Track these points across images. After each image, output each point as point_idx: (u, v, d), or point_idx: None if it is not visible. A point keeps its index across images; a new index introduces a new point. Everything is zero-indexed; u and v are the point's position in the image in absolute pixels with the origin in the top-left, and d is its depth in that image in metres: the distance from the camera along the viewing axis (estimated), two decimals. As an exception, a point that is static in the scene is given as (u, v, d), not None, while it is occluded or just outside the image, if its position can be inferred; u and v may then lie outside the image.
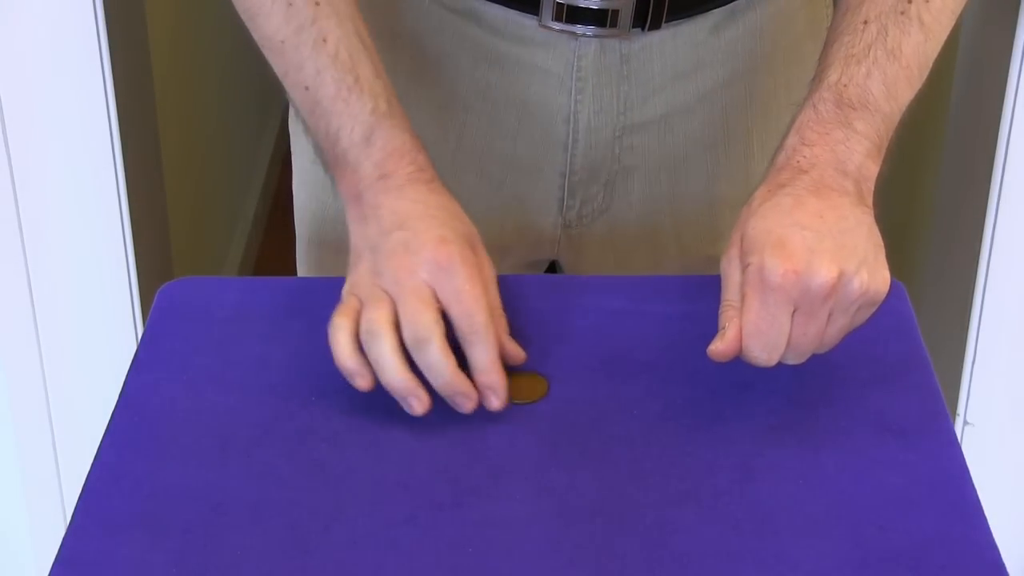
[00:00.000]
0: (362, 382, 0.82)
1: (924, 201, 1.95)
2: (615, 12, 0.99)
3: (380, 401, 0.84)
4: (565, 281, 1.00)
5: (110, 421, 0.84)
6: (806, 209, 0.82)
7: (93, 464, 0.81)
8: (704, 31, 1.03)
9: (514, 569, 0.74)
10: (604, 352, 0.88)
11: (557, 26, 1.00)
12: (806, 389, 0.84)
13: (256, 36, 0.91)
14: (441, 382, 0.82)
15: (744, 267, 0.81)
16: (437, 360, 0.81)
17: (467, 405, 0.82)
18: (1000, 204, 1.48)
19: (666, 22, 1.01)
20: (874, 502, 0.77)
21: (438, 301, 0.82)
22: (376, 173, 0.86)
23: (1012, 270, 1.50)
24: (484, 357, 0.83)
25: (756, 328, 0.79)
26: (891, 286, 0.90)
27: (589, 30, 1.00)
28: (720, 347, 0.81)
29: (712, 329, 0.81)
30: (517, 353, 0.86)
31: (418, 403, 0.82)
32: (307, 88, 0.88)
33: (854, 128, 0.85)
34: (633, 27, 1.00)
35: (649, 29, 1.01)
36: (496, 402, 0.83)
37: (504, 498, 0.78)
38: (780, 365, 0.81)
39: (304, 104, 0.89)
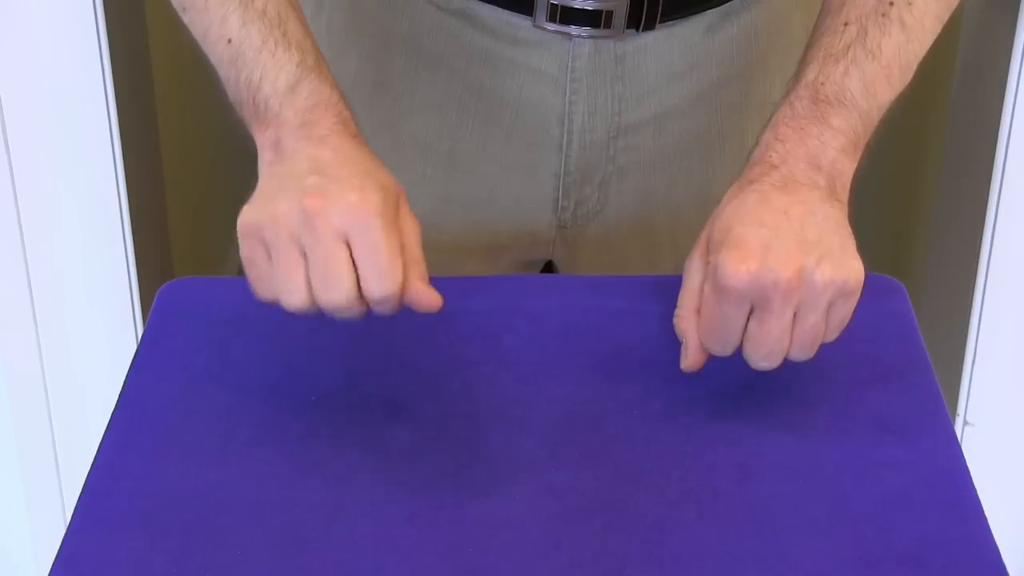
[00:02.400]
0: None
1: (924, 201, 1.95)
2: (609, 13, 0.99)
3: (380, 401, 0.84)
4: (564, 281, 1.00)
5: (110, 421, 0.84)
6: (770, 205, 0.81)
7: (93, 464, 0.81)
8: (698, 32, 1.03)
9: (514, 569, 0.74)
10: (604, 352, 0.88)
11: (551, 27, 1.00)
12: (806, 389, 0.84)
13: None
14: (346, 316, 0.78)
15: (705, 266, 0.81)
16: (343, 309, 0.77)
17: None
18: (1000, 204, 1.48)
19: (660, 23, 1.01)
20: (874, 502, 0.77)
21: (350, 250, 0.77)
22: (298, 120, 0.83)
23: (1012, 270, 1.50)
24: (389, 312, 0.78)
25: (710, 328, 0.80)
26: (891, 287, 0.90)
27: (583, 31, 1.00)
28: (687, 363, 0.83)
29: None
30: (432, 301, 0.78)
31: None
32: (230, 41, 0.86)
33: (829, 123, 0.84)
34: (627, 28, 1.00)
35: (643, 30, 1.01)
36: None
37: (504, 498, 0.78)
38: (779, 365, 0.81)
39: (225, 57, 0.86)
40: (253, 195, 0.81)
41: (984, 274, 1.51)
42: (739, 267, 0.78)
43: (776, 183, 0.82)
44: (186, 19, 0.89)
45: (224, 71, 0.87)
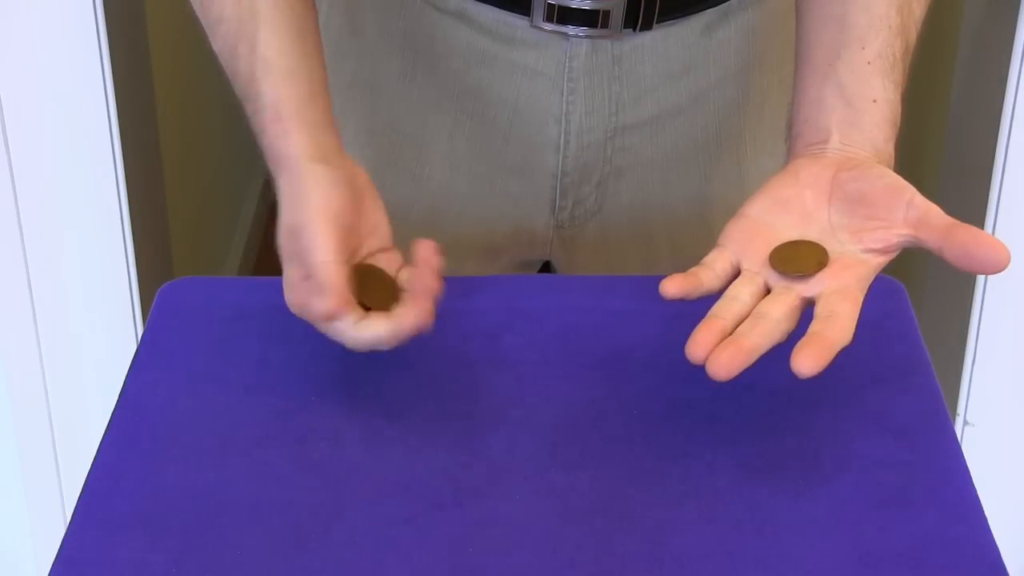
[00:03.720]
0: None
1: (924, 201, 1.94)
2: (606, 13, 0.99)
3: (380, 401, 0.84)
4: (564, 281, 1.00)
5: (110, 421, 0.84)
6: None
7: (93, 464, 0.81)
8: (696, 32, 1.03)
9: (514, 569, 0.74)
10: (604, 352, 0.88)
11: (548, 27, 1.00)
12: (806, 389, 0.84)
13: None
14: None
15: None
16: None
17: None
18: (1000, 204, 1.49)
19: (658, 23, 1.01)
20: (874, 502, 0.77)
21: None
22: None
23: (1012, 270, 1.50)
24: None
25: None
26: (891, 287, 0.90)
27: (580, 31, 1.00)
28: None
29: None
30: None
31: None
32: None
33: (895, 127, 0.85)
34: (624, 28, 1.00)
35: (640, 30, 1.01)
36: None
37: (504, 498, 0.78)
38: (780, 365, 0.80)
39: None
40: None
41: (984, 274, 1.51)
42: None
43: None
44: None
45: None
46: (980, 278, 1.53)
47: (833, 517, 0.77)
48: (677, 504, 0.77)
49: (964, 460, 0.81)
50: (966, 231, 0.77)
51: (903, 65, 0.86)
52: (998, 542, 0.76)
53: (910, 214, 0.79)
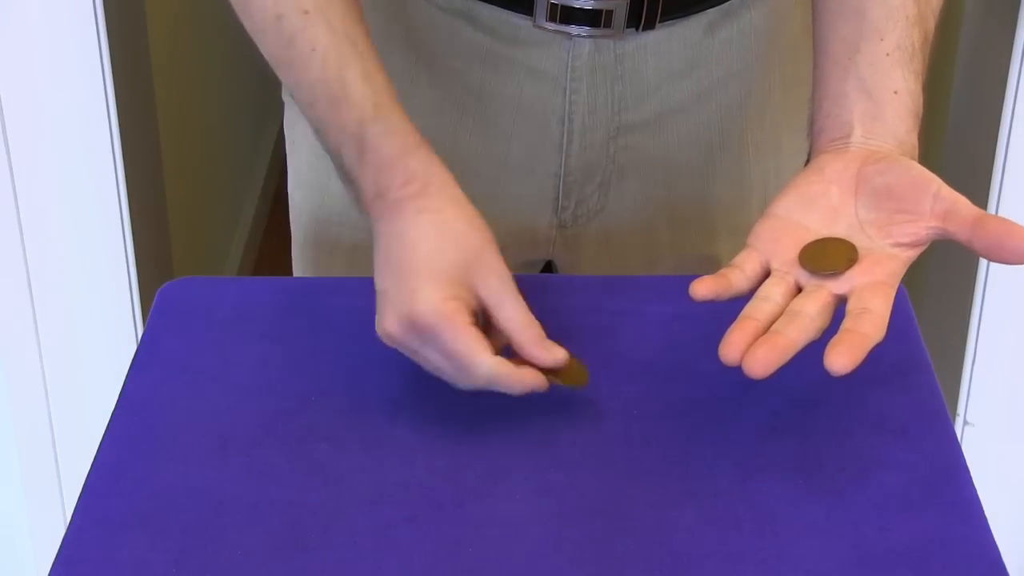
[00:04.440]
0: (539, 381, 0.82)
1: (924, 201, 1.94)
2: (609, 12, 0.99)
3: (380, 401, 0.84)
4: (564, 281, 1.00)
5: (110, 421, 0.84)
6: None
7: (93, 464, 0.81)
8: (698, 31, 1.03)
9: (514, 569, 0.74)
10: (604, 352, 0.88)
11: (551, 26, 1.00)
12: (806, 389, 0.84)
13: (265, 56, 0.89)
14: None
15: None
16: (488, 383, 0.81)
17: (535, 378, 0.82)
18: (1000, 204, 1.49)
19: (660, 22, 1.01)
20: (874, 502, 0.77)
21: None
22: (373, 191, 0.84)
23: (1012, 270, 1.50)
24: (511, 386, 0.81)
25: None
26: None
27: (583, 30, 1.00)
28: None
29: (711, 329, 0.81)
30: (544, 358, 0.82)
31: (537, 380, 0.81)
32: (309, 105, 0.86)
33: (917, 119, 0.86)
34: (627, 27, 1.00)
35: (643, 29, 1.01)
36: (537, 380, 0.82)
37: (504, 498, 0.78)
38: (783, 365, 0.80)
39: (312, 123, 0.87)
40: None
41: (984, 274, 1.51)
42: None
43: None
44: (284, 83, 0.89)
45: (318, 137, 0.88)
46: (980, 278, 1.53)
47: (833, 517, 0.77)
48: (677, 504, 0.77)
49: (964, 460, 0.81)
50: (996, 221, 0.77)
51: (922, 55, 0.86)
52: (998, 542, 0.76)
53: (937, 206, 0.79)
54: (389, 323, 0.81)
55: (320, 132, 0.87)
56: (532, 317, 0.82)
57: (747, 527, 0.76)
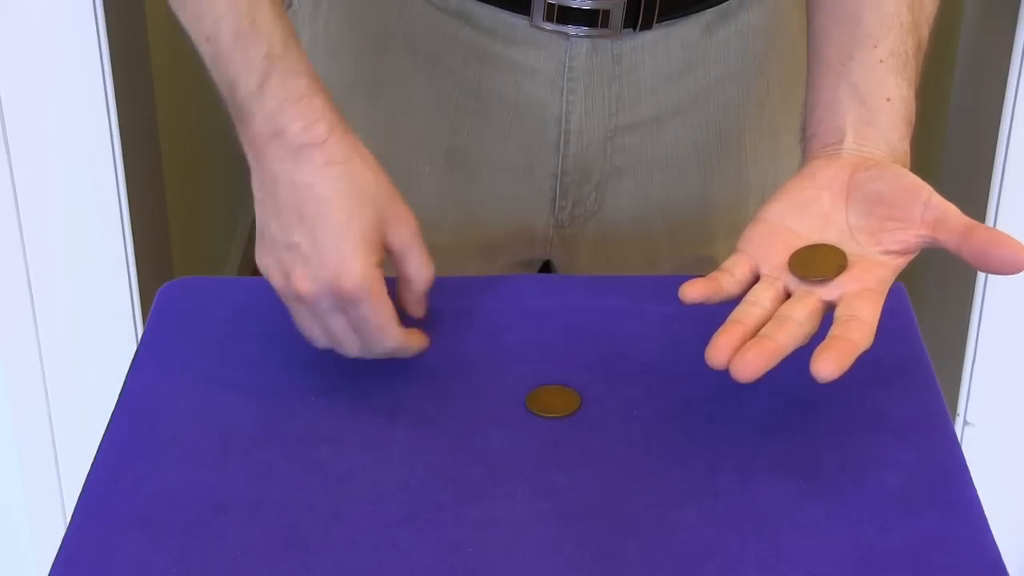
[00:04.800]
0: (419, 342, 0.86)
1: (924, 201, 1.94)
2: (606, 12, 0.99)
3: (380, 401, 0.84)
4: (564, 281, 1.00)
5: (110, 421, 0.84)
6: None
7: (93, 464, 0.81)
8: (696, 31, 1.03)
9: (514, 569, 0.74)
10: (604, 352, 0.88)
11: (548, 26, 1.00)
12: (806, 389, 0.84)
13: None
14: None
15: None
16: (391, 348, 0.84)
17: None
18: (1000, 204, 1.49)
19: (658, 22, 1.01)
20: (874, 502, 0.77)
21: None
22: (269, 129, 0.83)
23: (1012, 270, 1.50)
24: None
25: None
26: (891, 287, 0.89)
27: (581, 30, 1.00)
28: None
29: (711, 329, 0.81)
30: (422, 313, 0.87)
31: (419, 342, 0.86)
32: (208, 39, 0.84)
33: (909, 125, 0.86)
34: (625, 27, 1.00)
35: (641, 29, 1.01)
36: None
37: (504, 498, 0.78)
38: (780, 365, 0.80)
39: (208, 55, 0.85)
40: (256, 222, 0.85)
41: (984, 275, 1.51)
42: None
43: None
44: (174, 10, 0.88)
45: (209, 69, 0.86)
46: (980, 278, 1.53)
47: (833, 517, 0.77)
48: (677, 504, 0.77)
49: (964, 460, 0.81)
50: (985, 232, 0.77)
51: (916, 62, 0.86)
52: (998, 542, 0.76)
53: (927, 214, 0.79)
54: (302, 282, 0.82)
55: (215, 66, 0.85)
56: (432, 269, 0.86)
57: (747, 527, 0.76)
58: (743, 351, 0.75)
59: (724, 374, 0.76)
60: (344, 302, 0.82)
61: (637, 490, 0.78)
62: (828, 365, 0.73)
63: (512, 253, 1.13)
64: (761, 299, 0.79)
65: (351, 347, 0.84)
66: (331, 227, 0.82)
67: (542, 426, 0.83)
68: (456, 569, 0.74)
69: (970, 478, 0.79)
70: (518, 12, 1.00)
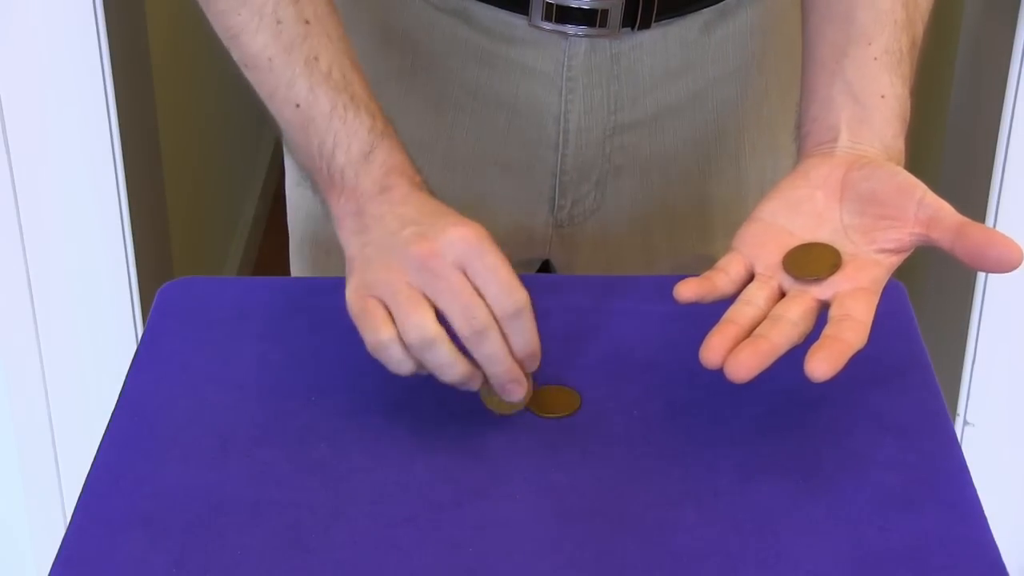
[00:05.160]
0: (520, 390, 0.80)
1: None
2: (604, 12, 0.99)
3: (380, 401, 0.84)
4: (564, 281, 1.00)
5: (110, 421, 0.84)
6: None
7: (93, 464, 0.81)
8: (695, 30, 1.03)
9: (514, 569, 0.74)
10: (604, 352, 0.88)
11: (547, 26, 1.00)
12: (806, 389, 0.84)
13: (238, 56, 0.88)
14: (500, 370, 0.80)
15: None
16: (497, 348, 0.79)
17: (519, 392, 0.81)
18: (1000, 204, 1.49)
19: (656, 21, 1.01)
20: (874, 502, 0.77)
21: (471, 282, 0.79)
22: (376, 188, 0.84)
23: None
24: (525, 335, 0.80)
25: None
26: (891, 287, 0.89)
27: (579, 30, 1.00)
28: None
29: (710, 328, 0.81)
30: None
31: (476, 381, 0.80)
32: (298, 106, 0.86)
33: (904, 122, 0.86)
34: (623, 27, 1.00)
35: (639, 29, 1.01)
36: (521, 390, 0.81)
37: (504, 498, 0.78)
38: (780, 365, 0.80)
39: (294, 122, 0.87)
40: (349, 272, 0.83)
41: (984, 274, 1.51)
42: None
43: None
44: (250, 78, 0.89)
45: (292, 135, 0.87)
46: (980, 278, 1.53)
47: (833, 517, 0.77)
48: (677, 504, 0.77)
49: (964, 460, 0.81)
50: (979, 230, 0.77)
51: (910, 60, 0.86)
52: (998, 542, 0.76)
53: (921, 213, 0.79)
54: (421, 247, 0.79)
55: (305, 129, 0.86)
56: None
57: (747, 527, 0.76)
58: (737, 351, 0.76)
59: (724, 374, 0.77)
60: (467, 249, 0.79)
61: (637, 490, 0.78)
62: (822, 365, 0.74)
63: (511, 252, 1.12)
64: (755, 298, 0.79)
65: (474, 310, 0.79)
66: (444, 215, 0.82)
67: (542, 426, 0.83)
68: (456, 569, 0.74)
69: (970, 478, 0.79)
70: (517, 11, 1.00)
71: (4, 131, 1.41)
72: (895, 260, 0.80)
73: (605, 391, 0.85)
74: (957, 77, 1.68)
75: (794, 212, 0.82)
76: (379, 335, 0.79)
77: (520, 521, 0.77)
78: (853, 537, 0.75)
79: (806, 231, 0.81)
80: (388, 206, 0.83)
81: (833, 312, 0.77)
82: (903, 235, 0.79)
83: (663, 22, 1.01)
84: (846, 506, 0.77)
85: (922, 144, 1.97)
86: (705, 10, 1.03)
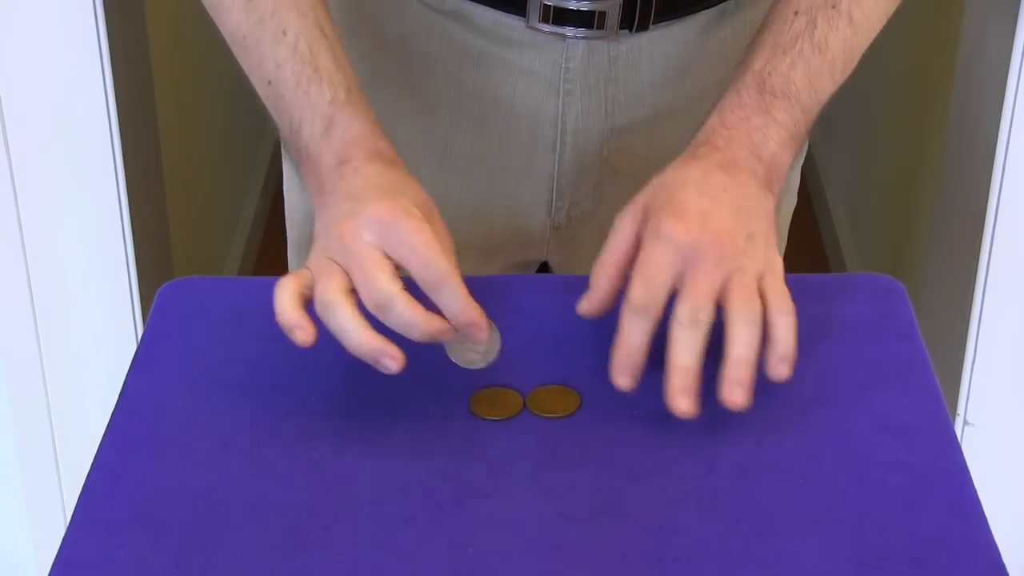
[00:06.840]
0: (301, 335, 0.80)
1: (924, 201, 1.95)
2: (602, 14, 0.99)
3: (380, 401, 0.84)
4: (564, 281, 1.00)
5: (110, 421, 0.84)
6: (711, 181, 0.84)
7: (93, 464, 0.81)
8: (693, 32, 1.03)
9: (514, 569, 0.74)
10: (604, 352, 0.88)
11: (545, 28, 1.00)
12: (806, 389, 0.84)
13: (223, 32, 0.90)
14: (419, 333, 0.80)
15: (643, 227, 0.83)
16: (406, 316, 0.79)
17: (451, 336, 0.82)
18: (1000, 204, 1.49)
19: (654, 24, 1.01)
20: (874, 502, 0.77)
21: (391, 260, 0.80)
22: (335, 161, 0.85)
23: (1012, 270, 1.50)
24: (455, 302, 0.80)
25: (640, 269, 0.81)
26: (891, 287, 0.90)
27: (577, 32, 1.00)
28: (585, 306, 0.83)
29: (712, 328, 0.81)
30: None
31: (392, 361, 0.79)
32: (270, 83, 0.88)
33: (773, 116, 0.87)
34: (621, 29, 1.00)
35: (637, 31, 1.01)
36: (482, 334, 0.81)
37: (504, 498, 0.78)
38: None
39: (268, 99, 0.88)
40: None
41: (984, 274, 1.51)
42: (679, 224, 0.80)
43: (719, 163, 0.85)
44: (234, 52, 0.91)
45: (270, 111, 0.89)
46: (980, 278, 1.53)
47: (833, 517, 0.77)
48: (677, 504, 0.77)
49: (964, 460, 0.81)
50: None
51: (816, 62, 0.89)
52: (998, 542, 0.76)
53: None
54: (342, 226, 0.80)
55: (276, 108, 0.88)
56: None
57: (747, 527, 0.76)
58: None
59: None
60: (384, 225, 0.80)
61: (637, 490, 0.78)
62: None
63: (509, 254, 1.13)
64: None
65: (374, 279, 0.80)
66: (382, 189, 0.83)
67: (542, 426, 0.83)
68: (456, 569, 0.74)
69: (970, 478, 0.79)
70: (514, 13, 1.00)
71: (4, 131, 1.41)
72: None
73: (605, 391, 0.85)
74: (957, 77, 1.68)
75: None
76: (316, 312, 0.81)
77: (520, 521, 0.77)
78: (853, 537, 0.75)
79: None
80: (341, 180, 0.84)
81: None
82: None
83: (661, 24, 1.01)
84: (846, 506, 0.77)
85: (922, 144, 1.97)
86: (703, 12, 1.03)
